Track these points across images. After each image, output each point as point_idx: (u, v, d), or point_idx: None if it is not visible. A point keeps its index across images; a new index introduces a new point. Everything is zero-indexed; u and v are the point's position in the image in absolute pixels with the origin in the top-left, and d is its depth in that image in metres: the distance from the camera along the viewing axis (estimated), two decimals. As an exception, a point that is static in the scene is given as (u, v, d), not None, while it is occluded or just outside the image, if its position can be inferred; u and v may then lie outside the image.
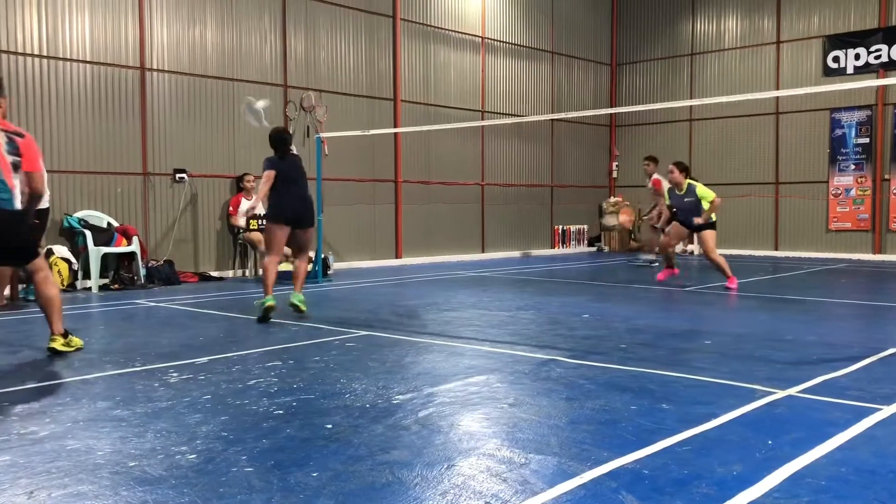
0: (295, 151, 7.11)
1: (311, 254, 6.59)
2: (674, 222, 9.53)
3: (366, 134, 11.10)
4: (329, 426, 3.51)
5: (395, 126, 12.74)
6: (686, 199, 9.12)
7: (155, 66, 10.12)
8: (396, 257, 13.17)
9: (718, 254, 9.25)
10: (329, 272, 10.62)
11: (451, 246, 14.05)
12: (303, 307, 6.81)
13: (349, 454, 3.12)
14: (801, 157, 14.82)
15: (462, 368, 4.77)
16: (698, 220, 9.02)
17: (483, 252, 14.62)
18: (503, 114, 14.81)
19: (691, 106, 15.80)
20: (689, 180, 9.13)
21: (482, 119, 14.25)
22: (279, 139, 6.95)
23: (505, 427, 3.53)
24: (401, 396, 4.04)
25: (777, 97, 14.78)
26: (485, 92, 14.54)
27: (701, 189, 9.06)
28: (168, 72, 10.25)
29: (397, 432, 3.43)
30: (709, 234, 9.07)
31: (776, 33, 14.99)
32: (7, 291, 8.17)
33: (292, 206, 6.78)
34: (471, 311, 7.39)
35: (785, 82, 14.75)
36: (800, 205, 14.83)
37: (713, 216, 9.06)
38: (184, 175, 10.37)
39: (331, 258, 10.98)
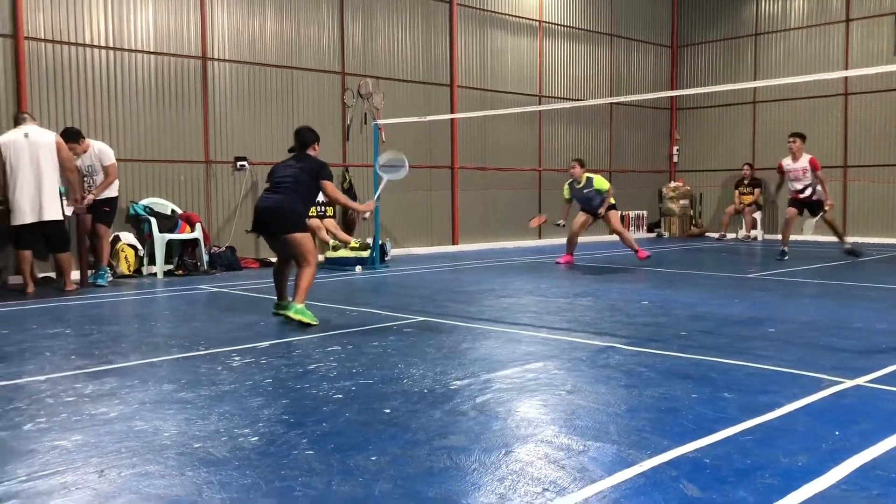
0: (311, 153, 6.15)
1: (308, 263, 5.77)
2: (580, 212, 10.69)
3: (423, 120, 11.11)
4: (387, 411, 3.55)
5: (452, 112, 12.73)
6: (585, 191, 10.39)
7: (216, 56, 10.30)
8: (453, 243, 13.19)
9: (624, 228, 11.08)
10: (386, 258, 10.70)
11: (508, 232, 14.00)
12: (297, 317, 5.67)
13: (407, 439, 3.15)
14: (872, 139, 14.31)
15: (519, 355, 4.76)
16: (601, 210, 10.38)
17: (540, 238, 14.53)
18: (561, 98, 14.65)
19: (755, 88, 15.39)
20: (587, 174, 10.40)
21: (539, 104, 14.13)
22: (294, 135, 6.27)
23: (563, 414, 3.52)
24: (458, 382, 4.05)
25: (846, 77, 14.26)
26: (542, 76, 14.40)
27: (598, 181, 10.39)
28: (229, 61, 10.42)
29: (455, 418, 3.44)
30: (612, 214, 10.51)
31: (845, 11, 14.46)
32: (77, 276, 8.46)
33: (260, 212, 5.98)
34: (528, 297, 7.36)
35: (854, 62, 14.24)
36: (869, 189, 14.33)
37: (612, 200, 10.50)
38: (244, 163, 10.56)
39: (388, 245, 11.06)
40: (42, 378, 4.22)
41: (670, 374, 4.21)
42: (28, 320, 6.23)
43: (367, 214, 6.52)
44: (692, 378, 4.11)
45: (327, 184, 6.01)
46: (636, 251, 10.49)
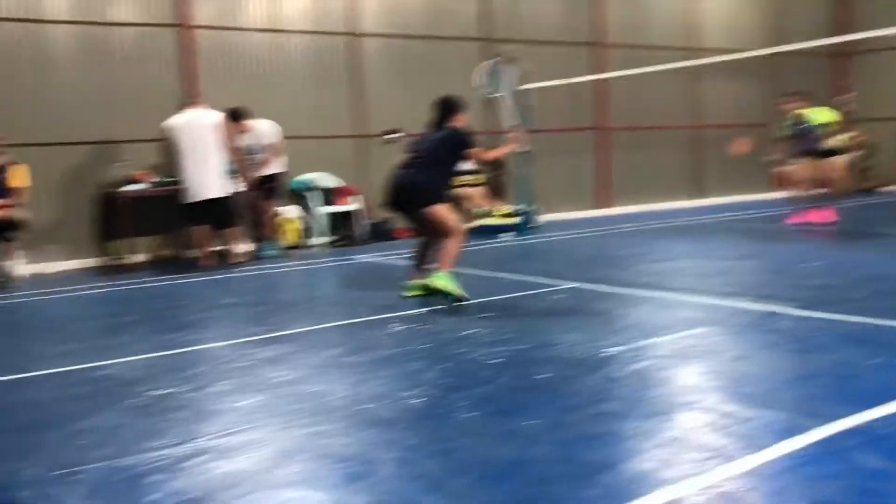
0: (456, 124, 5.79)
1: (452, 235, 5.41)
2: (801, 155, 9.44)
3: (571, 83, 10.92)
4: (543, 376, 3.58)
5: (600, 72, 12.41)
6: (801, 128, 9.32)
7: (366, 32, 10.58)
8: (605, 207, 12.95)
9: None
10: (537, 225, 10.67)
11: (663, 193, 13.56)
12: (440, 283, 5.30)
13: (564, 404, 3.17)
14: None
15: (678, 320, 4.64)
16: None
17: (698, 198, 13.98)
18: (716, 50, 13.92)
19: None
20: (802, 109, 9.33)
21: (693, 58, 13.50)
22: (434, 107, 5.93)
23: (727, 381, 3.41)
24: (614, 349, 4.01)
25: None
26: (695, 29, 13.73)
27: (816, 113, 9.36)
28: (378, 35, 10.67)
29: (611, 384, 3.42)
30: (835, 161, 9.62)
31: None
32: (246, 249, 9.02)
33: (393, 190, 5.67)
34: (686, 260, 7.14)
35: None
36: None
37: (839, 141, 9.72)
38: (396, 134, 10.81)
39: (538, 210, 11.01)
40: (221, 344, 4.56)
41: (845, 339, 3.97)
42: (206, 291, 6.74)
43: (519, 146, 6.16)
44: (869, 343, 3.86)
45: (473, 152, 5.77)
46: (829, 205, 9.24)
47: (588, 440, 2.75)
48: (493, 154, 6.50)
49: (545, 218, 11.64)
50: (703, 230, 9.68)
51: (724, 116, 14.13)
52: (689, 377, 3.51)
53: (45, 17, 8.46)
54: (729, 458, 2.52)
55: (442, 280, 5.33)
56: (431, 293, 5.39)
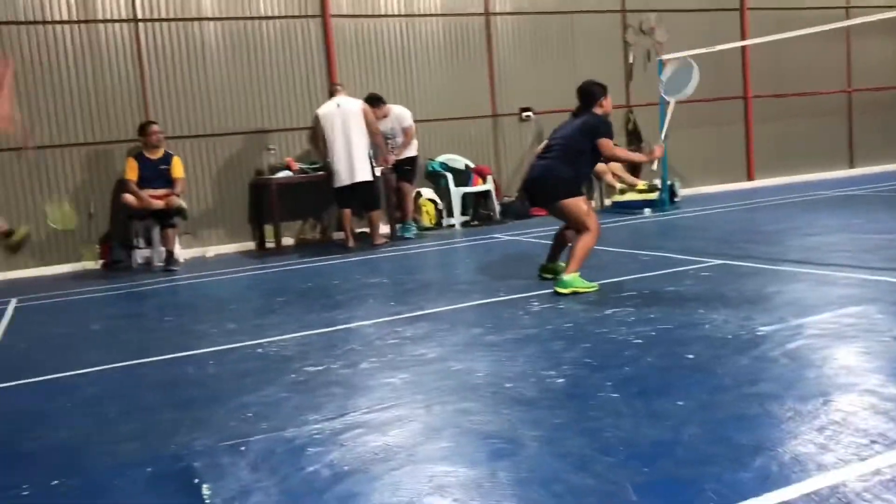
0: (597, 110, 5.50)
1: (587, 228, 5.21)
2: None
3: (711, 51, 10.47)
4: (690, 356, 3.50)
5: (742, 38, 11.83)
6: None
7: (498, 11, 10.56)
8: (748, 179, 12.39)
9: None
10: (676, 199, 10.36)
11: (811, 163, 12.81)
12: (564, 290, 5.07)
13: (713, 384, 3.09)
14: None
15: (833, 298, 4.41)
16: None
17: (851, 168, 13.12)
18: (876, 7, 12.94)
19: None
20: None
21: (847, 17, 12.61)
22: (577, 94, 5.63)
23: (889, 362, 3.22)
24: (765, 328, 3.87)
25: None
26: (848, -14, 12.83)
27: None
28: (510, 13, 10.63)
29: (764, 364, 3.30)
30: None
31: None
32: (386, 230, 9.29)
33: (527, 183, 5.70)
34: (838, 234, 6.74)
35: None
36: None
37: None
38: (530, 113, 10.77)
39: (677, 185, 10.68)
40: (369, 323, 4.75)
41: None
42: (352, 271, 7.01)
43: (656, 164, 5.54)
44: None
45: (603, 143, 5.33)
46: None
47: (740, 422, 2.68)
48: (625, 157, 6.29)
49: (686, 192, 11.29)
50: (855, 202, 9.09)
51: (879, 79, 13.13)
52: (847, 357, 3.33)
53: (198, 16, 8.98)
54: (891, 444, 2.39)
55: (568, 286, 5.07)
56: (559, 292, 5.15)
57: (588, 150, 5.41)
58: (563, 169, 5.37)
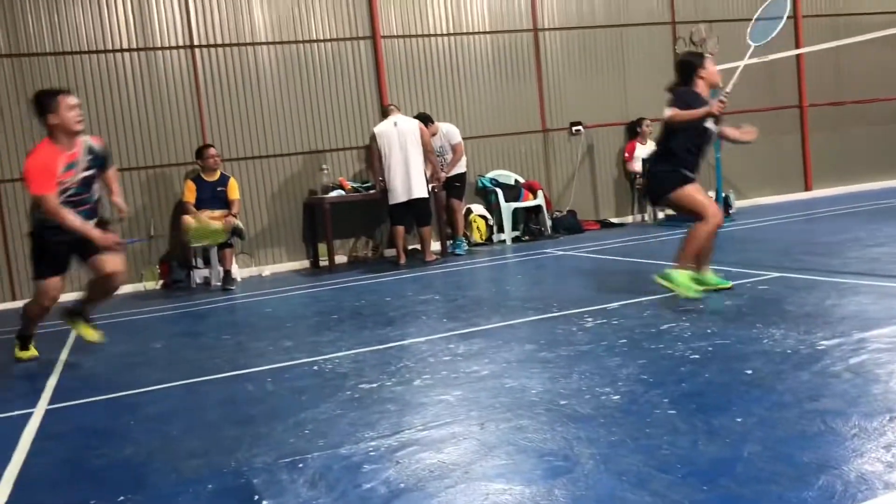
0: (699, 83, 5.17)
1: (702, 218, 4.98)
2: None
3: (764, 60, 10.30)
4: (749, 371, 3.44)
5: (797, 46, 11.61)
6: None
7: (547, 26, 10.58)
8: (805, 190, 12.12)
9: None
10: (731, 211, 10.19)
11: (872, 172, 12.47)
12: (665, 283, 5.06)
13: (773, 400, 3.03)
14: None
15: (898, 311, 4.28)
16: None
17: (915, 176, 12.74)
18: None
19: None
20: None
21: (905, 22, 12.28)
22: (675, 70, 5.29)
23: (960, 377, 3.12)
24: (826, 342, 3.78)
25: None
26: (907, -11, 12.50)
27: None
28: (559, 29, 10.64)
29: (826, 379, 3.23)
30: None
31: None
32: (437, 246, 9.33)
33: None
34: (903, 245, 6.55)
35: None
36: None
37: None
38: (580, 127, 10.74)
39: (731, 196, 10.51)
40: (422, 339, 4.78)
41: None
42: (404, 288, 7.06)
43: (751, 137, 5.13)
44: None
45: (669, 113, 4.89)
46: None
47: (802, 439, 2.62)
48: (694, 114, 4.97)
49: (741, 204, 11.11)
50: (923, 210, 8.82)
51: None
52: (914, 373, 3.23)
53: (252, 41, 9.21)
54: (967, 463, 2.32)
55: (670, 280, 4.92)
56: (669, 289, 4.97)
57: (683, 130, 4.96)
58: (660, 159, 5.13)
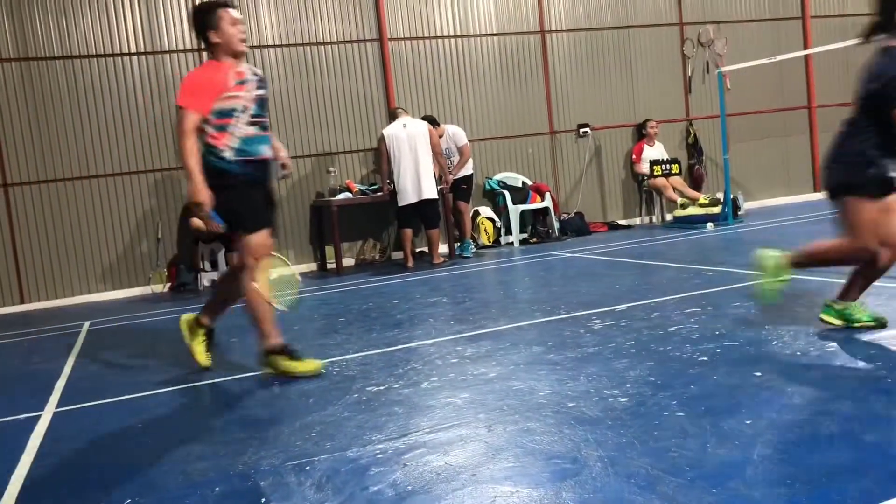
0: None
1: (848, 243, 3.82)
2: None
3: (772, 61, 10.28)
4: (758, 374, 3.42)
5: (805, 47, 11.59)
6: None
7: (554, 28, 10.57)
8: (815, 191, 12.06)
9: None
10: (739, 213, 10.15)
11: (882, 173, 12.40)
12: (826, 317, 4.07)
13: (783, 403, 3.01)
14: None
15: (909, 312, 4.25)
16: None
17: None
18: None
19: None
20: None
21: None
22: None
23: (972, 379, 3.09)
24: (835, 344, 3.75)
25: None
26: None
27: None
28: (567, 31, 10.63)
29: (836, 382, 3.20)
30: None
31: None
32: (445, 249, 9.32)
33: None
34: (914, 246, 6.49)
35: None
36: None
37: None
38: (587, 129, 10.72)
39: (740, 198, 10.47)
40: (430, 342, 4.77)
41: None
42: (411, 290, 7.05)
43: None
44: None
45: None
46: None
47: (815, 442, 2.60)
48: None
49: (750, 205, 11.07)
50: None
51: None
52: (926, 375, 3.21)
53: (259, 43, 9.23)
54: (980, 466, 2.29)
55: (838, 316, 3.99)
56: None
57: (874, 112, 3.54)
58: (843, 145, 3.70)
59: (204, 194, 3.96)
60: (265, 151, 4.26)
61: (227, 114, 4.09)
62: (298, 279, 4.43)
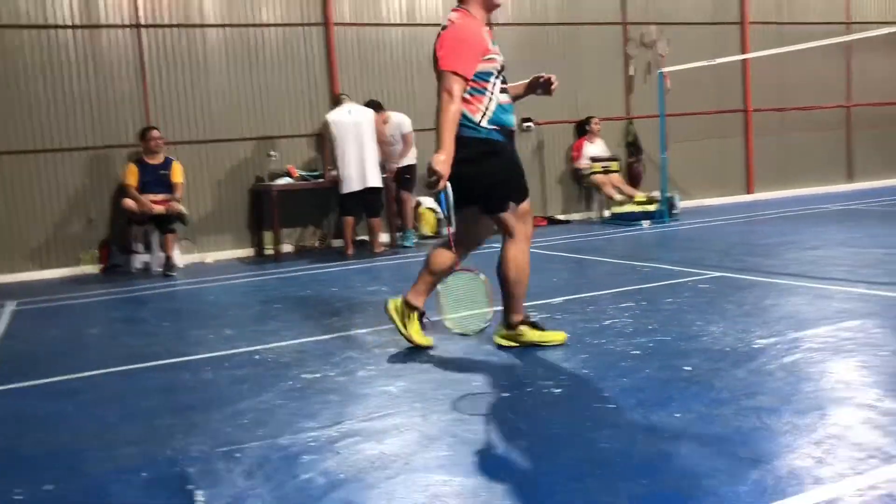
0: None
1: None
2: None
3: (711, 64, 10.51)
4: (688, 368, 3.50)
5: (743, 52, 11.87)
6: None
7: (501, 21, 10.59)
8: (748, 193, 12.41)
9: None
10: (675, 212, 10.36)
11: (810, 177, 12.83)
12: None
13: (711, 397, 3.09)
14: None
15: (831, 312, 4.41)
16: None
17: (850, 182, 13.14)
18: (876, 23, 12.98)
19: None
20: None
21: (847, 32, 12.65)
22: None
23: (887, 376, 3.22)
24: (762, 341, 3.87)
25: None
26: (850, 0, 12.88)
27: None
28: (511, 24, 10.66)
29: (761, 377, 3.30)
30: None
31: None
32: (386, 238, 9.28)
33: None
34: (838, 248, 6.75)
35: None
36: None
37: None
38: (530, 123, 10.79)
39: (676, 197, 10.69)
40: (367, 330, 4.75)
41: None
42: (351, 279, 7.00)
43: None
44: None
45: None
46: None
47: (738, 434, 2.68)
48: None
49: (685, 205, 11.30)
50: (855, 216, 9.10)
51: (879, 94, 13.17)
52: (844, 372, 3.33)
53: (200, 22, 9.01)
54: (888, 459, 2.39)
55: None
56: None
57: None
58: None
59: (448, 168, 3.70)
60: (514, 123, 4.04)
61: (484, 77, 3.80)
62: (490, 316, 4.02)
